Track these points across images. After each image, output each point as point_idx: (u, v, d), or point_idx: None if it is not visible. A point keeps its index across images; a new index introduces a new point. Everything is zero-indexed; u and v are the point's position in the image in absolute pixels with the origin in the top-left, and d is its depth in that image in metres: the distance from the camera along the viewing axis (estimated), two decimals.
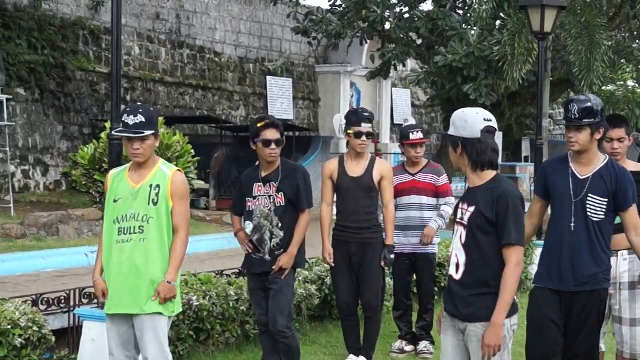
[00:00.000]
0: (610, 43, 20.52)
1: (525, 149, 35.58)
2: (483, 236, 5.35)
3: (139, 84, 27.90)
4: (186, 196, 6.48)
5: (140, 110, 6.27)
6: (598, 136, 6.50)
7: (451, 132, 5.50)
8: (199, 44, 30.36)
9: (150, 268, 6.22)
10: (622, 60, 21.95)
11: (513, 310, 5.35)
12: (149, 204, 6.22)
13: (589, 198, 6.42)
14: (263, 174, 7.93)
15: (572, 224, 6.42)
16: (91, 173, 18.47)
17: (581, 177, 6.49)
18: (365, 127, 8.71)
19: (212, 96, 30.35)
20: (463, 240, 5.40)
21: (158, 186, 6.23)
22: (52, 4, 25.42)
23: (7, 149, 21.13)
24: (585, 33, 19.02)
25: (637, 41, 24.39)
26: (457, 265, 5.40)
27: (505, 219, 5.30)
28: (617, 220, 6.79)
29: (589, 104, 6.43)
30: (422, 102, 36.20)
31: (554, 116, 39.93)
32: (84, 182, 19.35)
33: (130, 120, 6.18)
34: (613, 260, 6.93)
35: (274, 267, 7.76)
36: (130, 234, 6.21)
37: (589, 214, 6.42)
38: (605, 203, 6.40)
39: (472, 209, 5.38)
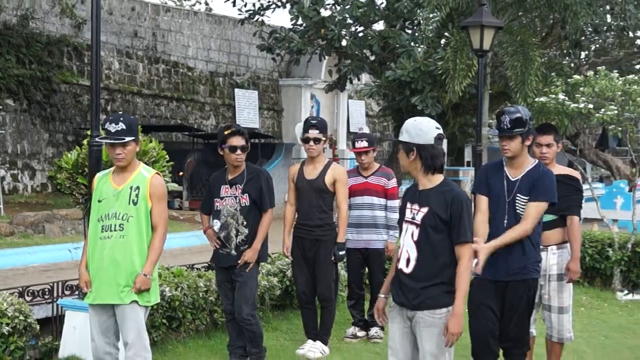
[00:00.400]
0: (542, 59, 20.65)
1: (467, 154, 35.77)
2: (435, 234, 5.33)
3: (118, 96, 27.83)
4: (164, 197, 6.48)
5: (121, 119, 6.28)
6: (528, 143, 6.58)
7: (405, 139, 5.47)
8: (173, 59, 30.37)
9: (128, 262, 6.21)
10: (552, 75, 22.04)
11: None
12: (129, 203, 6.23)
13: (517, 197, 6.50)
14: (229, 177, 7.94)
15: (505, 221, 6.49)
16: (74, 176, 18.23)
17: (512, 179, 6.58)
18: (313, 133, 8.68)
19: (185, 107, 30.34)
20: (415, 238, 5.36)
21: (138, 187, 6.25)
22: (39, 23, 25.41)
23: None
24: (520, 50, 19.13)
25: (567, 58, 24.61)
26: (408, 260, 5.37)
27: (459, 219, 5.31)
28: (547, 217, 6.86)
29: (519, 115, 6.52)
30: (375, 112, 36.20)
31: (493, 125, 40.07)
32: (67, 185, 19.10)
33: (112, 127, 6.19)
34: (543, 254, 7.03)
35: (239, 261, 7.76)
36: (111, 230, 6.21)
37: (518, 211, 6.50)
38: None
39: (425, 209, 5.35)
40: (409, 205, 5.52)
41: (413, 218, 5.42)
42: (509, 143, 6.51)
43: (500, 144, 6.62)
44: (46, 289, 8.81)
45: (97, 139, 7.74)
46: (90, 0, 7.85)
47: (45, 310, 8.72)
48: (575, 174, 7.75)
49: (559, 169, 7.49)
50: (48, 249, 14.45)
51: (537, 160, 6.74)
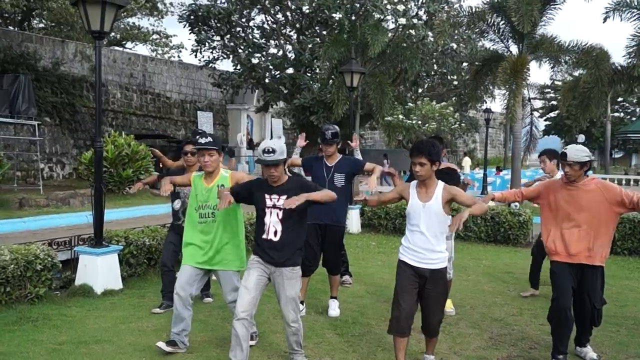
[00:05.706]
0: (393, 93, 20.98)
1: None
2: (296, 214, 4.83)
3: (120, 115, 27.48)
4: (244, 175, 5.55)
5: (209, 135, 5.48)
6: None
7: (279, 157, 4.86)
8: (156, 91, 30.11)
9: (217, 239, 5.39)
10: (396, 103, 22.43)
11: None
12: (218, 196, 5.18)
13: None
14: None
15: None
16: (90, 168, 18.06)
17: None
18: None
19: (165, 123, 30.03)
20: (280, 217, 4.86)
21: (223, 185, 5.37)
22: (66, 67, 25.02)
23: (38, 153, 20.90)
24: (379, 87, 19.38)
25: (409, 92, 25.03)
26: (276, 232, 4.87)
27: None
28: None
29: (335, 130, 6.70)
30: (289, 126, 36.29)
31: (364, 135, 40.47)
32: (85, 174, 18.94)
33: (203, 140, 5.37)
34: None
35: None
36: (207, 217, 5.39)
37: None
38: None
39: (284, 196, 4.81)
40: (267, 195, 4.91)
41: (275, 204, 4.88)
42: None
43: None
44: (67, 240, 8.69)
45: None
46: (96, 53, 7.70)
47: (67, 254, 8.59)
48: (454, 166, 7.27)
49: (443, 165, 6.95)
50: (72, 215, 14.10)
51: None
